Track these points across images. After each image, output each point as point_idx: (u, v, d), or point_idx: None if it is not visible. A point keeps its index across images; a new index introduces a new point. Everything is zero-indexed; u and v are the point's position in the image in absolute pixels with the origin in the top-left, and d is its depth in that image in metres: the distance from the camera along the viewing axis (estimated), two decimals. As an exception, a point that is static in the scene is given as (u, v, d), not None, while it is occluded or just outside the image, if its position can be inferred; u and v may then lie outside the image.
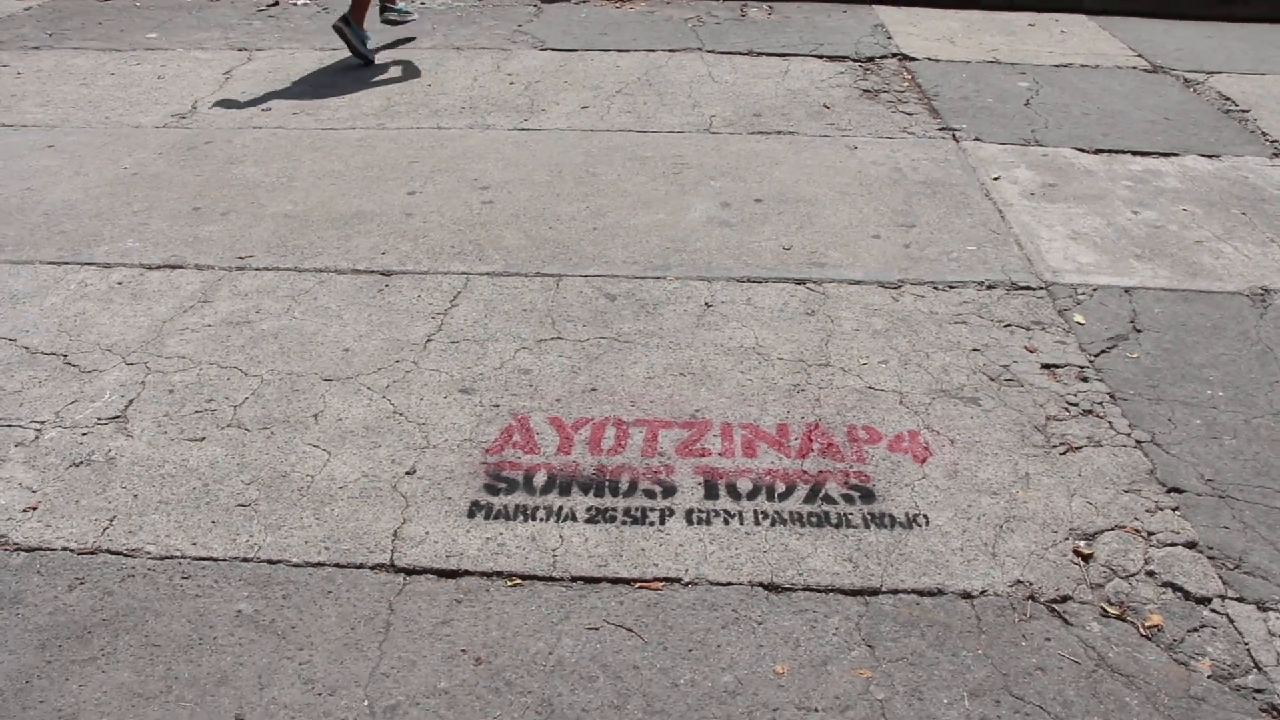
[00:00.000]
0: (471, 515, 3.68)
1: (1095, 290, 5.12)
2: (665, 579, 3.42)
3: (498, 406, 4.26)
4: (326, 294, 5.15)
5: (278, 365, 4.56)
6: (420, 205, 6.14)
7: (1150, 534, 3.60)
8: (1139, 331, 4.80)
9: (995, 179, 6.30)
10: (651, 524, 3.63)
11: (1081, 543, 3.56)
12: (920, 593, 3.36)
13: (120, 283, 5.28)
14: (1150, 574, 3.44)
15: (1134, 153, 6.85)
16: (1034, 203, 6.03)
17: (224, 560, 3.53)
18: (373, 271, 5.37)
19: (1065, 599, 3.35)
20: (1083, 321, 4.85)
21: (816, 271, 5.33)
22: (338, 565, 3.50)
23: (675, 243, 5.65)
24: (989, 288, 5.17)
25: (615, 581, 3.42)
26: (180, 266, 5.45)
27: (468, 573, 3.46)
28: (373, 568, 3.49)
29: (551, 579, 3.43)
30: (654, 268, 5.38)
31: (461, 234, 5.77)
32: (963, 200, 6.12)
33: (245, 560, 3.52)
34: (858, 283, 5.23)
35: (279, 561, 3.51)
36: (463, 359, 4.58)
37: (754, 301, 5.05)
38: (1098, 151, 6.86)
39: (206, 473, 3.91)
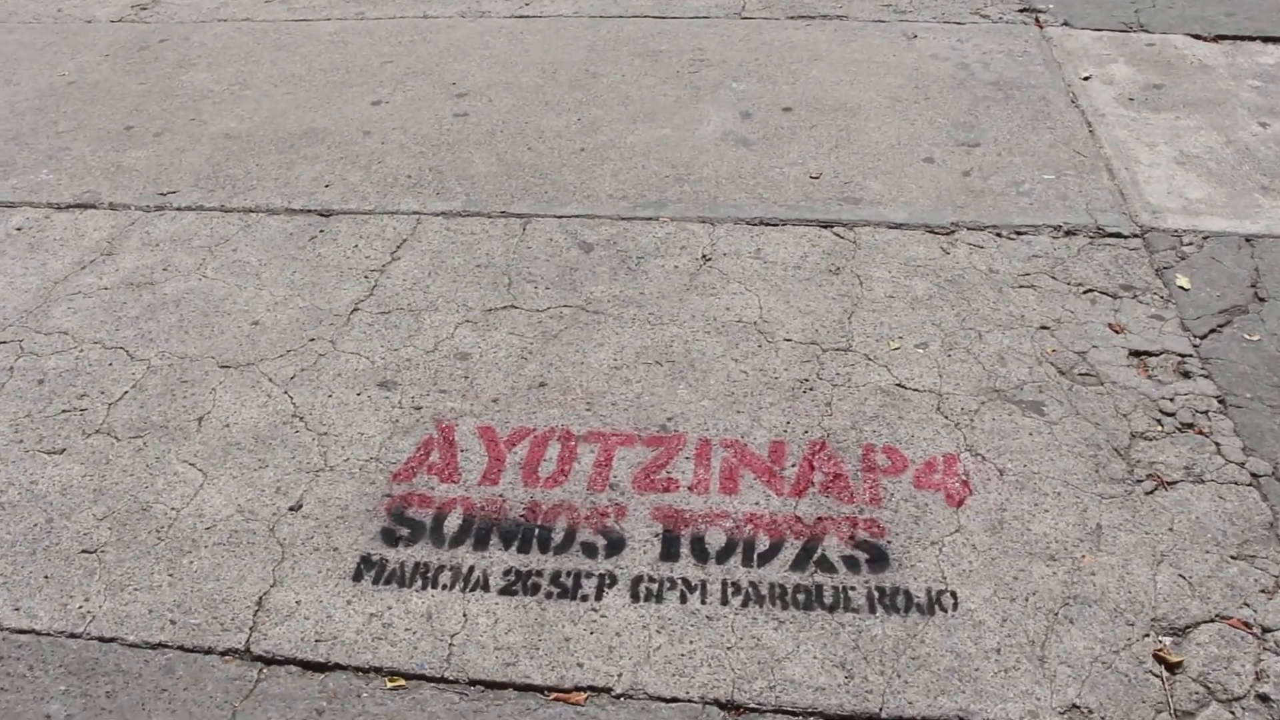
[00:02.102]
0: (358, 577, 2.85)
1: (1206, 239, 3.95)
2: (591, 688, 2.56)
3: (419, 409, 3.37)
4: (249, 243, 4.25)
5: (171, 345, 3.72)
6: (382, 119, 5.14)
7: (1266, 631, 2.60)
8: (1262, 301, 3.66)
9: (1085, 79, 5.04)
10: (584, 598, 2.76)
11: (1167, 641, 2.58)
12: (935, 722, 2.44)
13: (19, 229, 4.47)
14: (1264, 699, 2.46)
15: (1265, 39, 5.46)
16: (1133, 111, 4.78)
17: (48, 635, 2.78)
18: (309, 211, 4.45)
19: (1139, 736, 2.40)
20: (1187, 286, 3.72)
21: (849, 210, 4.24)
22: (182, 649, 2.72)
23: (677, 169, 4.59)
24: (1067, 234, 4.04)
25: (524, 689, 2.57)
26: (92, 206, 4.60)
27: (339, 666, 2.65)
28: (224, 653, 2.70)
29: (444, 680, 2.60)
30: (645, 204, 4.36)
31: (423, 158, 4.79)
32: (1042, 108, 4.89)
33: (73, 636, 2.77)
34: (899, 226, 4.14)
35: (113, 640, 2.75)
36: (390, 338, 3.68)
37: (764, 253, 4.02)
38: (1218, 39, 5.49)
39: (55, 502, 3.13)
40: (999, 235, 4.04)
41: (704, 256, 4.03)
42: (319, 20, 6.37)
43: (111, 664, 2.70)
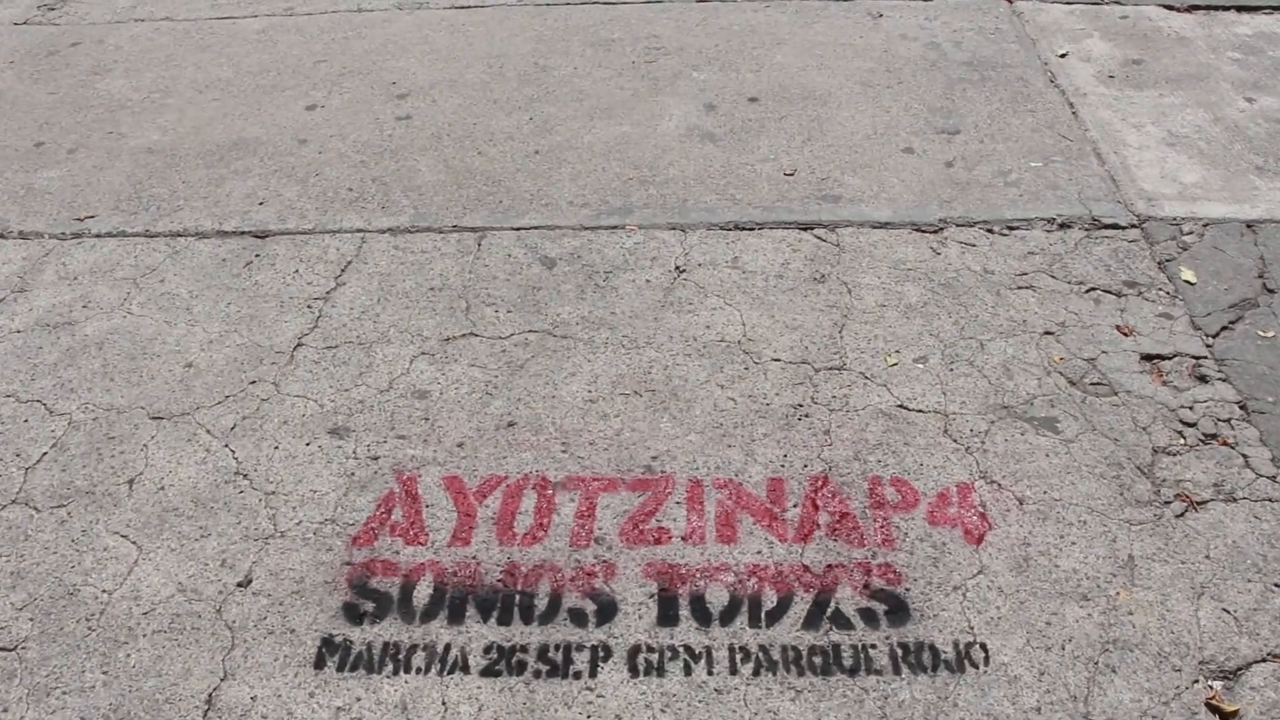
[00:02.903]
0: (320, 664, 2.52)
1: (1206, 227, 3.73)
2: (592, 785, 2.26)
3: (377, 459, 3.04)
4: (178, 273, 3.87)
5: (96, 395, 3.34)
6: (319, 126, 4.76)
7: (1325, 672, 2.37)
8: (1272, 293, 3.45)
9: (1062, 56, 4.79)
10: (577, 675, 2.46)
11: (1218, 687, 2.34)
12: (978, 801, 2.18)
13: (-82, 265, 4.03)
14: (1332, 752, 2.23)
15: (1239, 8, 5.26)
16: (1114, 90, 4.54)
17: (-37, 751, 2.41)
18: (243, 233, 4.07)
19: (1202, 803, 2.16)
20: (1193, 280, 3.49)
21: (828, 209, 3.96)
22: (120, 763, 2.36)
23: (641, 170, 4.27)
24: (1062, 227, 3.79)
25: (517, 790, 2.26)
26: (0, 236, 4.17)
27: (303, 775, 2.32)
28: (169, 766, 2.35)
29: (424, 785, 2.28)
30: (609, 211, 4.04)
31: (364, 168, 4.42)
32: (1021, 89, 4.64)
33: (-7, 751, 2.40)
34: (884, 225, 3.86)
35: (37, 757, 2.39)
36: (339, 376, 3.34)
37: (742, 262, 3.72)
38: (1191, 9, 5.27)
39: (-33, 588, 2.76)
40: (990, 231, 3.78)
41: (677, 268, 3.72)
42: (245, 18, 5.94)
43: (40, 787, 2.35)
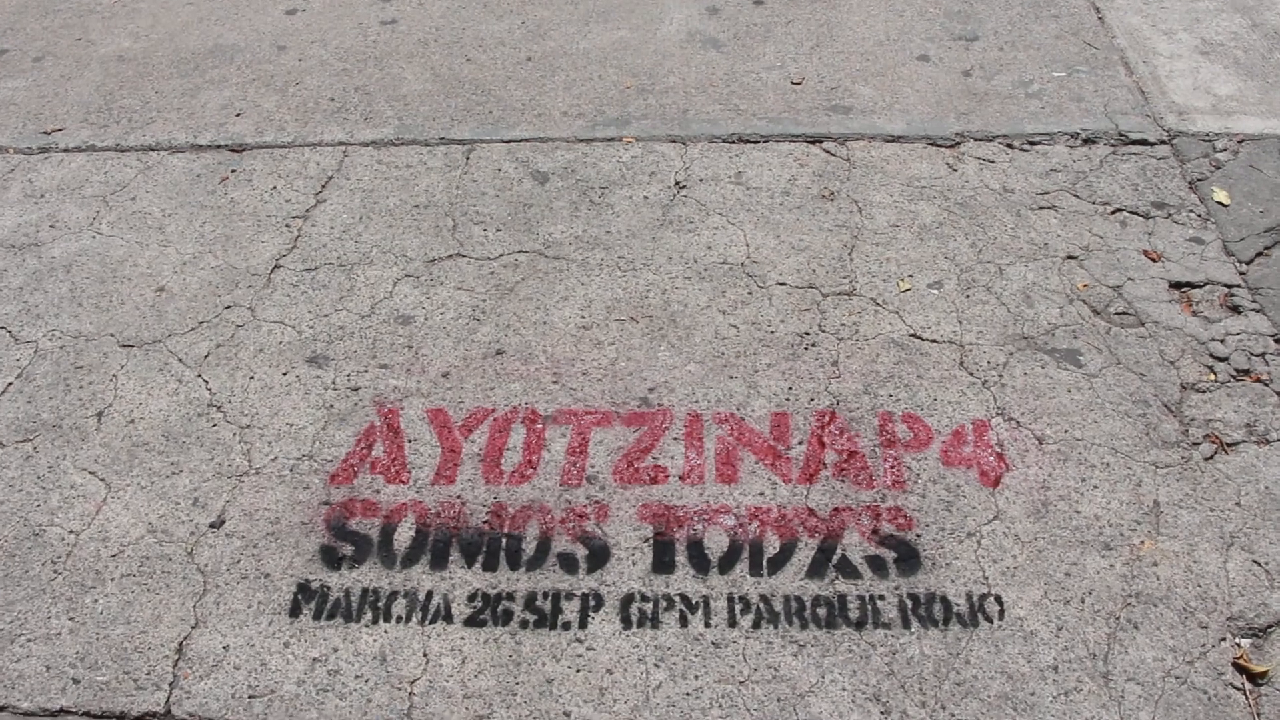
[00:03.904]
0: (295, 612, 2.39)
1: (1242, 143, 3.48)
2: (582, 743, 2.14)
3: (357, 390, 2.87)
4: (150, 190, 3.65)
5: (63, 321, 3.16)
6: (299, 31, 4.48)
7: (1362, 628, 2.23)
8: (1315, 214, 3.22)
9: (1093, -47, 4.46)
10: (566, 626, 2.32)
11: (1246, 645, 2.20)
12: (990, 764, 2.06)
13: (-124, 178, 3.81)
14: (1367, 714, 2.10)
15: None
16: (1148, -9, 4.23)
17: (-77, 702, 2.30)
18: (218, 146, 3.84)
19: (1227, 767, 2.04)
20: (1226, 201, 3.26)
21: (838, 121, 3.71)
22: (89, 715, 2.26)
23: (639, 78, 4.01)
24: (1086, 143, 3.55)
25: (503, 748, 2.14)
26: (-39, 148, 3.94)
27: (278, 730, 2.20)
28: (140, 719, 2.23)
29: (405, 742, 2.16)
30: (606, 121, 3.79)
31: (347, 75, 4.16)
32: (1047, -10, 4.33)
33: (-46, 702, 2.29)
34: (897, 139, 3.62)
35: (2, 709, 2.27)
36: (319, 300, 3.15)
37: (746, 177, 3.49)
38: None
39: (-73, 527, 2.62)
40: (1010, 147, 3.54)
41: (677, 184, 3.49)
42: (219, -89, 5.55)
43: (2, 741, 2.24)
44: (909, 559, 2.39)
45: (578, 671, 2.25)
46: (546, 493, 2.59)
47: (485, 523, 2.53)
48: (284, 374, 2.95)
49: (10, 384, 2.99)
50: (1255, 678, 2.18)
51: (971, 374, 2.80)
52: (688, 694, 2.20)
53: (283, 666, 2.30)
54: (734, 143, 3.66)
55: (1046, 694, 2.16)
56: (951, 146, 3.56)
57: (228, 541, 2.55)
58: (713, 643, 2.28)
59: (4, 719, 2.28)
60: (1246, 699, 2.15)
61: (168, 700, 2.27)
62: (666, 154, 3.64)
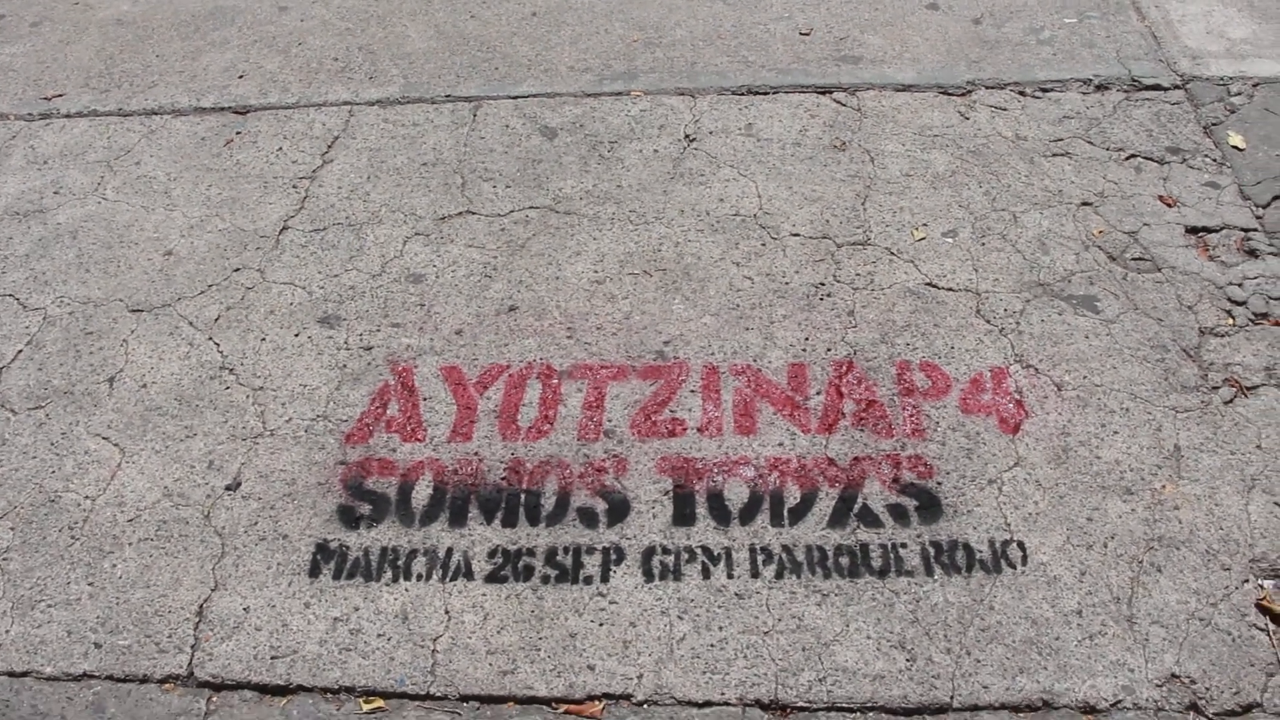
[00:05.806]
0: (315, 572, 2.39)
1: (1257, 87, 3.43)
2: (606, 695, 2.15)
3: (370, 350, 2.85)
4: (155, 154, 3.62)
5: (71, 288, 3.14)
6: (297, -11, 4.41)
7: (1387, 567, 2.22)
8: (1334, 155, 3.18)
9: (1105, -107, 4.36)
10: (588, 580, 2.32)
11: (1269, 586, 2.20)
12: (1015, 708, 2.06)
13: (-124, 148, 3.78)
14: (1393, 653, 2.09)
15: None
16: (1163, -69, 4.14)
17: (-53, 667, 2.30)
18: (222, 109, 3.79)
19: (1250, 708, 2.03)
20: (1242, 145, 3.22)
21: (848, 71, 3.66)
22: (112, 679, 2.27)
23: (646, 31, 3.95)
24: (1099, 89, 3.49)
25: (527, 702, 2.16)
26: (-39, 115, 3.90)
27: (303, 689, 2.22)
28: (163, 681, 2.26)
29: (430, 698, 2.18)
30: (613, 75, 3.74)
31: (350, 35, 4.10)
32: (1058, -68, 4.24)
33: (-22, 668, 2.29)
34: (908, 88, 3.57)
35: (25, 674, 2.29)
36: (328, 261, 3.13)
37: (757, 129, 3.45)
38: None
39: (-56, 494, 2.62)
40: (1022, 94, 3.49)
41: (687, 137, 3.45)
42: None
43: (27, 706, 2.25)
44: (930, 507, 2.38)
45: (601, 625, 2.25)
46: (564, 448, 2.57)
47: (503, 479, 2.52)
48: (296, 335, 2.93)
49: (20, 351, 2.98)
50: (1279, 618, 2.17)
51: (989, 321, 2.78)
52: (712, 645, 2.20)
53: (304, 627, 2.30)
54: (743, 94, 3.61)
55: (1071, 638, 2.16)
56: (963, 94, 3.51)
57: (244, 504, 2.54)
58: (736, 594, 2.27)
59: (29, 684, 2.28)
60: (1270, 640, 2.14)
61: (190, 663, 2.27)
62: (675, 107, 3.59)
